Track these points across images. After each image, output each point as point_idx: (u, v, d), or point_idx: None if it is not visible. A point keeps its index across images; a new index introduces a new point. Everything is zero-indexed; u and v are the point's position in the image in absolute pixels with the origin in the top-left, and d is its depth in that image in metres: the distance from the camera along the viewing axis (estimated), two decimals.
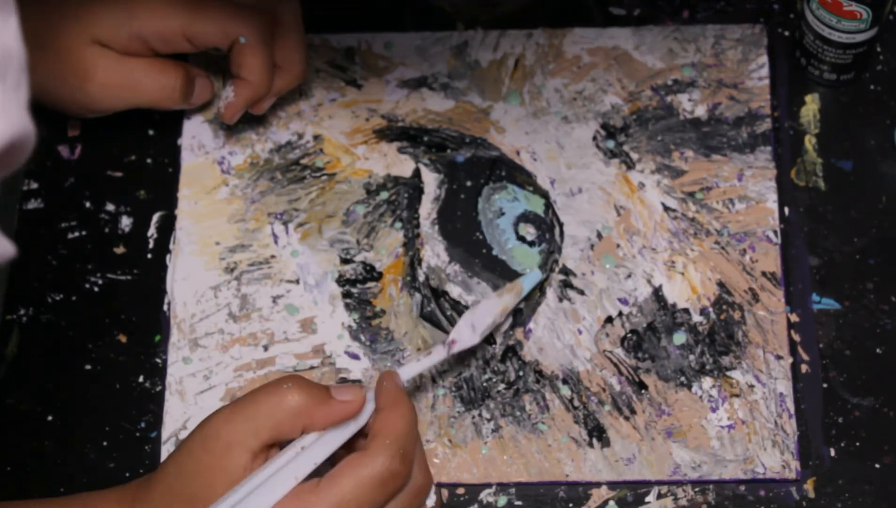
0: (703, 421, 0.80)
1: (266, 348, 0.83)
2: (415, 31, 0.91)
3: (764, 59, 0.89)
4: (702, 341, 0.82)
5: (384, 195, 0.87)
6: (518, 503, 0.79)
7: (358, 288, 0.84)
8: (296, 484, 0.69)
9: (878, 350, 0.82)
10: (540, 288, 0.84)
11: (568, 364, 0.82)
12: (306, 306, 0.84)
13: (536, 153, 0.87)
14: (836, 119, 0.88)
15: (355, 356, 0.83)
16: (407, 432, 0.71)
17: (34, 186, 0.88)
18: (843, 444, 0.80)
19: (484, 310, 0.79)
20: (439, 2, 0.92)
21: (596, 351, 0.82)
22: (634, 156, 0.87)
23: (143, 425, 0.82)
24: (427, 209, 0.86)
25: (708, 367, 0.81)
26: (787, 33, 0.90)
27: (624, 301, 0.83)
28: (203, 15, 0.82)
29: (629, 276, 0.84)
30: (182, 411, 0.82)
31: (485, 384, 0.82)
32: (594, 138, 0.88)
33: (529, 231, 0.86)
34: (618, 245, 0.85)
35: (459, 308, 0.84)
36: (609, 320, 0.83)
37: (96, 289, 0.85)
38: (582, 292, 0.84)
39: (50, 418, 0.82)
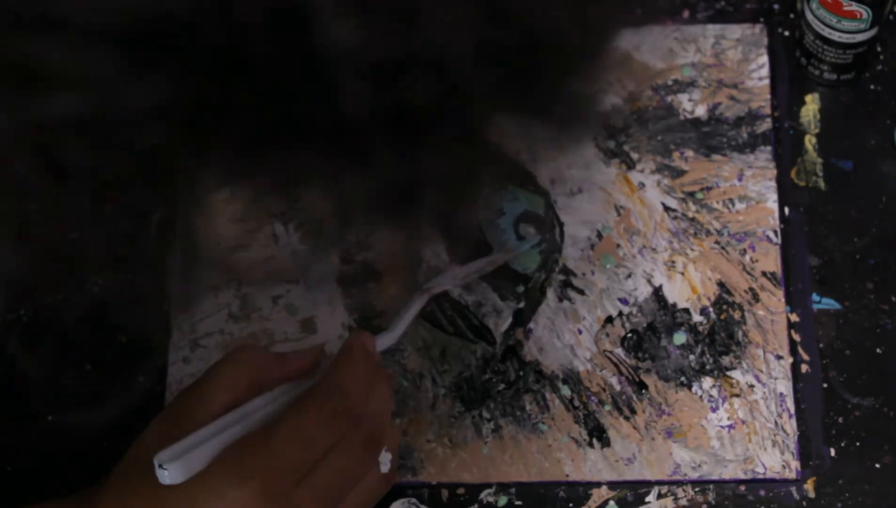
0: (703, 421, 0.80)
1: (266, 348, 0.83)
2: None
3: (764, 59, 0.89)
4: (702, 341, 0.82)
5: None
6: (518, 503, 0.79)
7: (358, 288, 0.84)
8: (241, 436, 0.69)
9: (878, 350, 0.82)
10: (540, 288, 0.84)
11: (568, 364, 0.82)
12: (306, 306, 0.84)
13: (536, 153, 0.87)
14: (836, 119, 0.88)
15: None
16: (351, 384, 0.71)
17: (34, 186, 0.88)
18: (843, 444, 0.80)
19: (470, 264, 0.81)
20: None
21: (596, 351, 0.82)
22: (634, 156, 0.87)
23: (143, 424, 0.81)
24: None
25: (708, 367, 0.81)
26: (787, 33, 0.90)
27: (624, 301, 0.83)
28: None
29: (629, 276, 0.84)
30: None
31: (485, 384, 0.82)
32: (594, 138, 0.88)
33: (529, 231, 0.86)
34: (618, 245, 0.85)
35: (459, 308, 0.84)
36: (609, 320, 0.83)
37: (96, 289, 0.85)
38: (582, 292, 0.84)
39: (50, 418, 0.82)
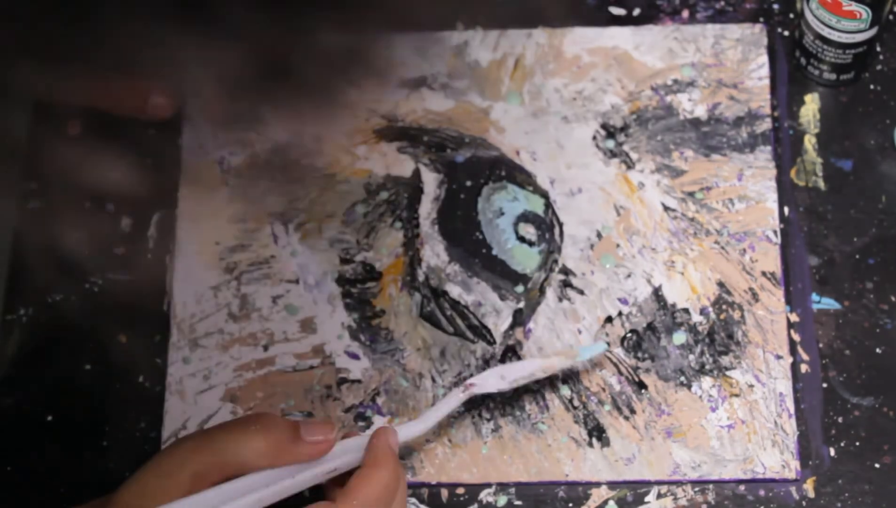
0: (702, 421, 0.80)
1: (266, 348, 0.83)
2: (415, 31, 0.91)
3: (764, 59, 0.89)
4: (702, 340, 0.82)
5: (384, 195, 0.87)
6: (518, 503, 0.79)
7: (358, 288, 0.84)
8: None
9: (878, 350, 0.82)
10: (540, 288, 0.84)
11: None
12: (306, 306, 0.84)
13: (536, 153, 0.87)
14: (836, 119, 0.88)
15: (355, 356, 0.83)
16: (378, 497, 0.71)
17: (34, 186, 0.88)
18: (842, 444, 0.80)
19: (521, 364, 0.79)
20: None
21: None
22: (634, 156, 0.87)
23: (143, 425, 0.82)
24: (427, 209, 0.86)
25: (708, 367, 0.81)
26: (787, 33, 0.90)
27: (624, 301, 0.83)
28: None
29: (629, 276, 0.84)
30: (182, 411, 0.82)
31: None
32: (594, 138, 0.88)
33: (529, 231, 0.86)
34: (618, 245, 0.85)
35: (459, 308, 0.84)
36: (609, 319, 0.83)
37: (96, 289, 0.85)
38: (582, 292, 0.84)
39: (50, 418, 0.82)
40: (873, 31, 0.84)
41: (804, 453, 0.80)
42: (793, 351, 0.82)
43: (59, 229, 0.88)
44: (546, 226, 0.86)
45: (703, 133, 0.87)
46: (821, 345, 0.82)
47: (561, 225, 0.85)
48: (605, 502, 0.79)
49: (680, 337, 0.82)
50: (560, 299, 0.84)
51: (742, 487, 0.79)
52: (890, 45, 0.89)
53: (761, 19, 0.90)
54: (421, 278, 0.85)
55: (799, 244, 0.84)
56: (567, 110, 0.88)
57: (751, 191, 0.86)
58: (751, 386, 0.81)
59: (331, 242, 0.86)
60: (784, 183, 0.86)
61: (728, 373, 0.81)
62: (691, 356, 0.82)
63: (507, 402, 0.81)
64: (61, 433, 0.82)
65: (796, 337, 0.82)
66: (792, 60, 0.89)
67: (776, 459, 0.79)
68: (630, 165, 0.87)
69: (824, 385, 0.81)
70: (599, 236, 0.85)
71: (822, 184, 0.86)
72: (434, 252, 0.85)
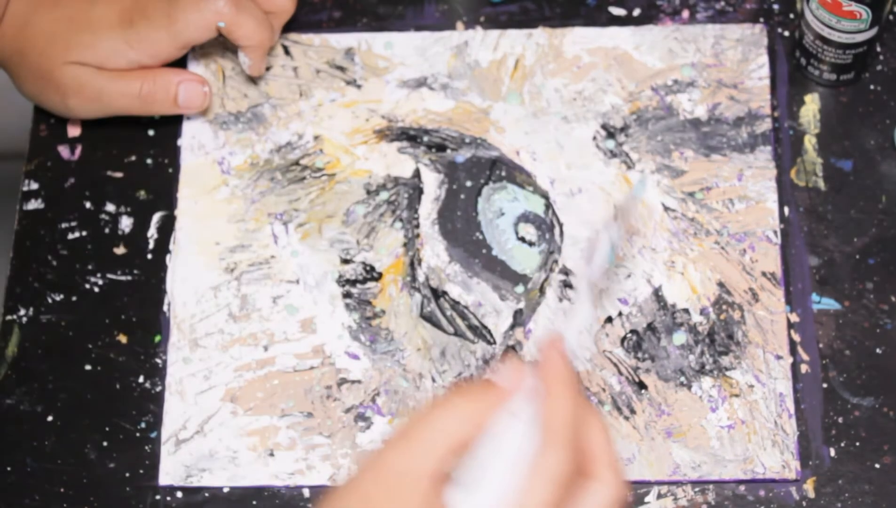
0: (702, 421, 0.80)
1: (266, 348, 0.83)
2: (415, 31, 0.91)
3: (764, 59, 0.89)
4: (702, 341, 0.82)
5: (384, 195, 0.87)
6: None
7: (358, 288, 0.84)
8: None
9: (878, 350, 0.82)
10: (540, 288, 0.84)
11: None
12: (306, 306, 0.84)
13: (536, 153, 0.87)
14: (836, 119, 0.88)
15: (355, 357, 0.83)
16: (569, 423, 0.63)
17: (34, 186, 0.88)
18: (843, 444, 0.80)
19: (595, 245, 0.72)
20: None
21: (596, 351, 0.82)
22: (634, 156, 0.87)
23: (143, 425, 0.82)
24: (427, 209, 0.86)
25: (708, 367, 0.81)
26: (787, 33, 0.90)
27: (624, 301, 0.83)
28: (184, 24, 0.84)
29: (629, 276, 0.84)
30: (182, 411, 0.82)
31: None
32: (594, 138, 0.88)
33: (529, 231, 0.86)
34: None
35: (459, 308, 0.84)
36: (609, 320, 0.83)
37: (96, 289, 0.85)
38: None
39: (50, 418, 0.82)
40: (873, 32, 0.84)
41: (804, 453, 0.80)
42: (793, 351, 0.82)
43: (59, 230, 0.88)
44: (546, 226, 0.86)
45: (703, 133, 0.87)
46: (821, 345, 0.82)
47: (561, 225, 0.85)
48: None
49: (680, 337, 0.82)
50: (560, 299, 0.84)
51: (742, 487, 0.79)
52: (890, 45, 0.89)
53: (761, 19, 0.90)
54: (421, 278, 0.85)
55: (799, 244, 0.84)
56: (567, 110, 0.88)
57: (751, 191, 0.86)
58: (751, 386, 0.81)
59: (331, 242, 0.86)
60: (784, 183, 0.86)
61: (728, 373, 0.81)
62: (691, 357, 0.82)
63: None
64: (61, 433, 0.82)
65: (796, 337, 0.82)
66: (792, 60, 0.89)
67: (776, 459, 0.79)
68: (630, 165, 0.87)
69: (824, 385, 0.81)
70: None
71: (822, 184, 0.86)
72: (434, 252, 0.85)
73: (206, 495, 0.80)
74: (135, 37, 0.83)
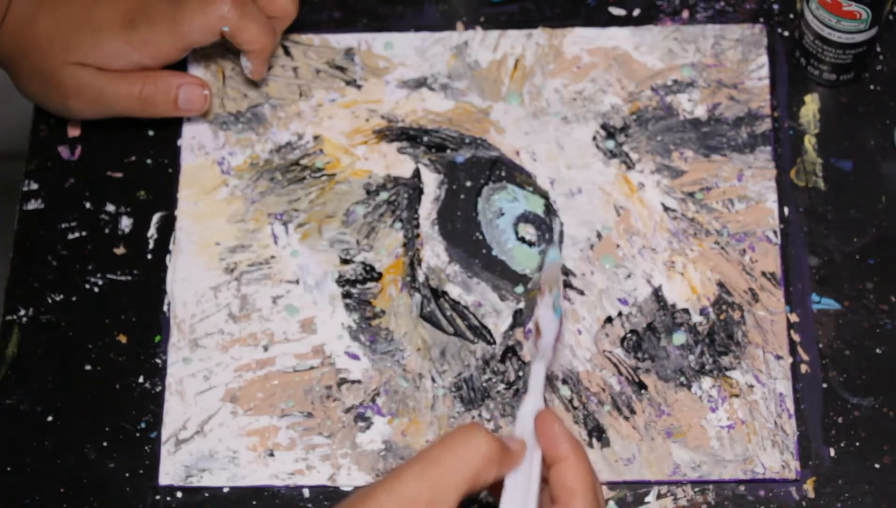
0: (702, 421, 0.80)
1: (266, 348, 0.83)
2: (414, 32, 0.91)
3: (764, 59, 0.89)
4: (701, 341, 0.82)
5: (384, 196, 0.87)
6: None
7: (358, 288, 0.84)
8: None
9: (878, 350, 0.82)
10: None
11: (567, 365, 0.82)
12: (306, 306, 0.84)
13: (536, 153, 0.87)
14: (836, 119, 0.88)
15: (355, 357, 0.83)
16: (594, 481, 0.68)
17: (34, 186, 0.88)
18: (842, 444, 0.80)
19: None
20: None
21: (596, 351, 0.82)
22: (634, 156, 0.87)
23: (143, 425, 0.82)
24: (427, 210, 0.86)
25: (708, 367, 0.81)
26: (787, 33, 0.90)
27: (624, 301, 0.83)
28: (188, 28, 0.84)
29: (629, 276, 0.84)
30: (182, 411, 0.82)
31: (485, 385, 0.82)
32: (594, 138, 0.88)
33: (529, 231, 0.86)
34: (617, 245, 0.85)
35: (459, 309, 0.84)
36: (609, 320, 0.83)
37: (96, 289, 0.85)
38: (582, 293, 0.84)
39: (50, 418, 0.82)
40: (873, 32, 0.84)
41: (804, 453, 0.80)
42: (793, 351, 0.82)
43: (59, 230, 0.88)
44: (546, 226, 0.86)
45: (703, 133, 0.87)
46: (821, 345, 0.82)
47: (561, 225, 0.85)
48: (605, 502, 0.79)
49: (680, 337, 0.82)
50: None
51: (742, 487, 0.79)
52: (890, 45, 0.89)
53: (761, 19, 0.90)
54: (421, 278, 0.85)
55: (799, 245, 0.84)
56: (567, 111, 0.88)
57: (751, 191, 0.86)
58: (751, 387, 0.81)
59: (331, 242, 0.86)
60: (784, 183, 0.86)
61: (728, 373, 0.81)
62: (691, 357, 0.82)
63: (508, 402, 0.81)
64: (61, 433, 0.82)
65: (796, 337, 0.82)
66: (792, 61, 0.89)
67: (776, 459, 0.79)
68: (630, 165, 0.87)
69: (824, 386, 0.81)
70: (599, 236, 0.85)
71: (822, 184, 0.86)
72: (434, 253, 0.85)
73: (206, 495, 0.80)
74: (137, 38, 0.83)
